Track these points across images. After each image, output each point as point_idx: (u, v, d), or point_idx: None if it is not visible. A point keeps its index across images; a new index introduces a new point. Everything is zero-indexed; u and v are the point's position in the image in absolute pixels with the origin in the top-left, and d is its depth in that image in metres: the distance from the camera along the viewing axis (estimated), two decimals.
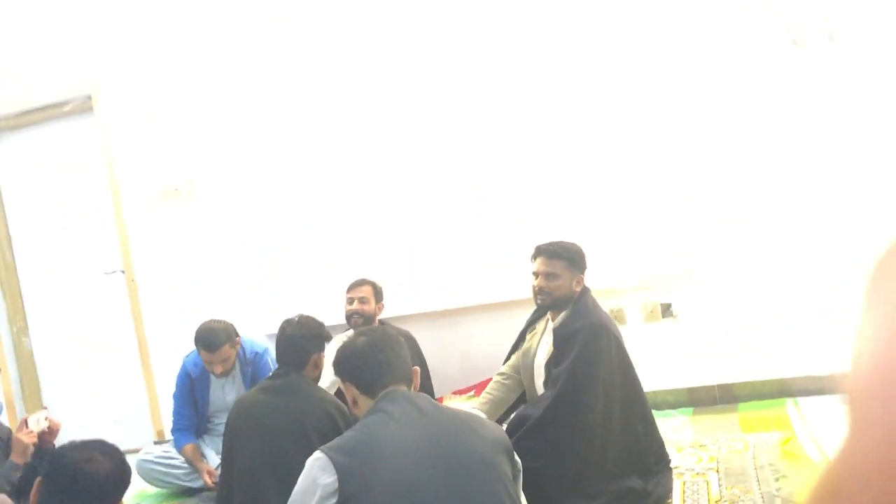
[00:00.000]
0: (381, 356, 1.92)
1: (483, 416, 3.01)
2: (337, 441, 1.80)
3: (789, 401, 3.60)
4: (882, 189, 3.46)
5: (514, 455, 1.87)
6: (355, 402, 1.93)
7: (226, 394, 3.77)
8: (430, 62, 4.00)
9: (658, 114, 3.74)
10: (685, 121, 3.71)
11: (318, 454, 1.73)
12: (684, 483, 2.92)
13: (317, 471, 1.70)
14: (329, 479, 1.67)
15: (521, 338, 3.22)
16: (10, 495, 2.61)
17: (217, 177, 4.38)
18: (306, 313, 2.95)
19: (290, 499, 1.75)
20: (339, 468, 1.68)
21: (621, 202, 3.81)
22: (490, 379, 3.54)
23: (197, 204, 4.45)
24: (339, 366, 1.97)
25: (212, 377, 3.72)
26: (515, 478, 1.86)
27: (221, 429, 3.71)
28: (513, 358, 3.22)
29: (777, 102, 3.60)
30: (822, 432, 3.16)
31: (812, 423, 3.30)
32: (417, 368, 1.99)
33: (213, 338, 3.52)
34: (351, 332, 3.65)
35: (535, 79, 3.87)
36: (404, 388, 1.89)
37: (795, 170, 3.60)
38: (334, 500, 1.67)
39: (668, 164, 3.74)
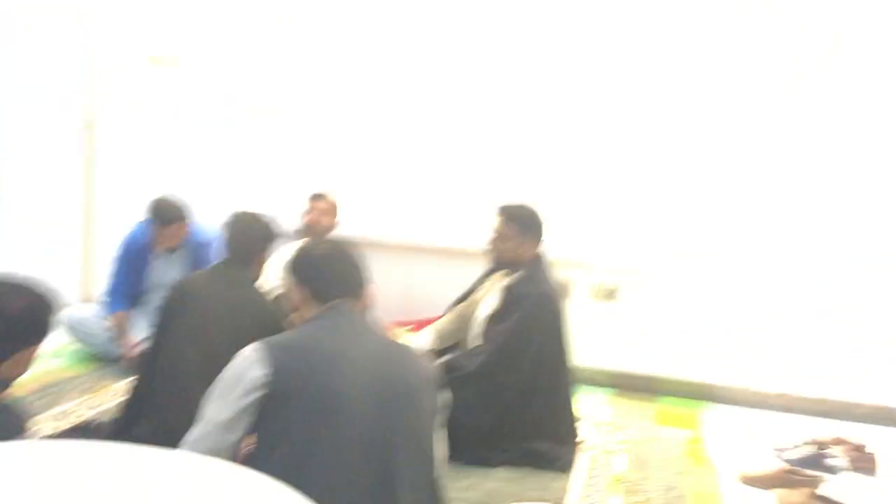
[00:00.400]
0: (340, 267, 1.92)
1: (429, 343, 3.11)
2: (277, 337, 1.80)
3: (705, 405, 3.72)
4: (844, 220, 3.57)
5: (440, 392, 1.90)
6: (302, 305, 1.93)
7: (167, 271, 3.72)
8: None
9: (646, 113, 3.76)
10: (671, 125, 3.75)
11: (257, 345, 1.73)
12: (594, 457, 3.02)
13: (251, 361, 1.70)
14: (261, 371, 1.68)
15: (475, 286, 3.26)
16: None
17: (202, 53, 4.27)
18: (259, 210, 2.90)
19: (217, 382, 1.75)
20: (274, 363, 1.68)
21: (595, 179, 3.85)
22: (429, 319, 3.60)
23: (176, 76, 4.34)
24: (296, 266, 1.96)
25: (156, 252, 3.67)
26: (439, 413, 1.89)
27: (153, 304, 3.71)
28: (465, 302, 3.27)
29: (765, 121, 3.64)
30: (728, 441, 3.29)
31: (721, 430, 3.43)
32: (371, 288, 2.00)
33: (167, 213, 3.48)
34: (304, 241, 3.65)
35: (524, 64, 3.87)
36: (353, 304, 1.90)
37: (766, 189, 3.67)
38: (262, 393, 1.68)
39: (649, 163, 3.79)
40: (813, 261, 3.61)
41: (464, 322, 3.26)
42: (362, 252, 2.03)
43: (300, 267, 1.96)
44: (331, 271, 1.92)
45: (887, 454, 3.14)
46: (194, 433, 1.74)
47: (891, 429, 3.53)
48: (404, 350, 1.89)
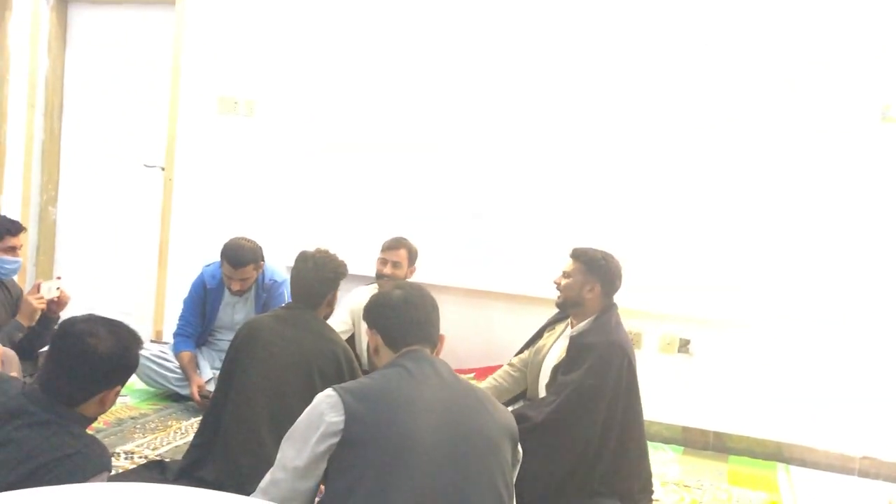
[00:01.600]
0: (414, 314, 1.90)
1: None
2: (351, 384, 1.79)
3: (780, 466, 3.56)
4: None
5: (517, 444, 1.85)
6: (377, 351, 1.92)
7: (235, 312, 3.77)
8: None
9: (726, 159, 3.68)
10: (754, 170, 3.66)
11: (330, 391, 1.71)
12: None
13: (326, 407, 1.68)
14: (336, 418, 1.65)
15: (539, 335, 3.21)
16: None
17: (278, 101, 4.35)
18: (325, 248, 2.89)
19: (292, 429, 1.73)
20: (348, 410, 1.66)
21: (670, 226, 3.77)
22: (493, 367, 3.54)
23: (252, 122, 4.43)
24: (370, 313, 1.95)
25: (226, 293, 3.72)
26: (514, 466, 1.84)
27: (221, 345, 3.77)
28: (526, 353, 3.22)
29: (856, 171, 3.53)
30: None
31: (800, 494, 3.27)
32: (444, 335, 1.97)
33: (241, 255, 3.52)
34: (375, 286, 3.66)
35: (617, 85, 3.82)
36: (428, 350, 1.87)
37: (854, 243, 3.54)
38: (335, 440, 1.65)
39: (728, 209, 3.69)
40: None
41: (525, 373, 3.20)
42: (435, 298, 2.00)
43: (373, 313, 1.95)
44: (404, 318, 1.90)
45: None
46: (268, 479, 1.72)
47: None
48: (483, 398, 1.84)
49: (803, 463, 3.60)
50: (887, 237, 3.49)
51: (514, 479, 1.87)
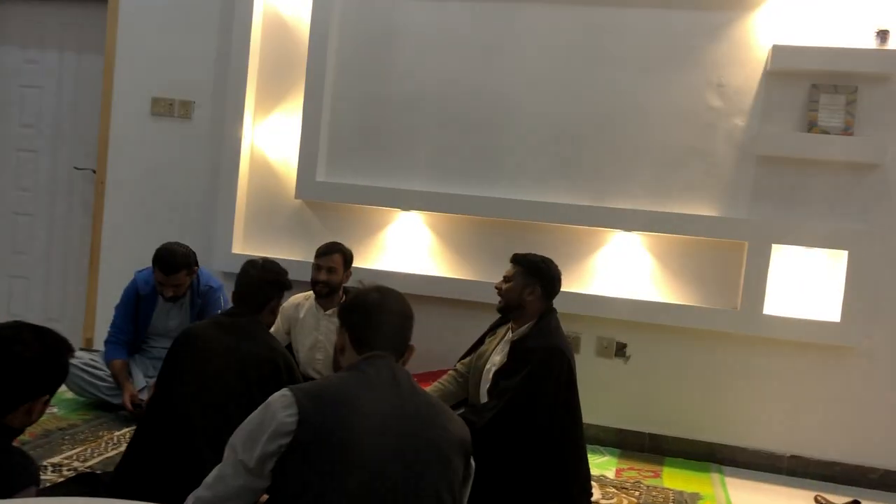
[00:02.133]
0: (387, 319, 1.86)
1: None
2: (307, 385, 1.74)
3: (714, 470, 3.63)
4: None
5: (470, 458, 1.83)
6: (342, 351, 1.88)
7: (169, 319, 3.68)
8: None
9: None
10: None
11: (285, 391, 1.67)
12: None
13: (279, 406, 1.64)
14: (289, 418, 1.61)
15: (481, 340, 3.23)
16: None
17: (217, 102, 4.27)
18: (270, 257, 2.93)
19: (241, 427, 1.67)
20: (302, 411, 1.62)
21: (613, 238, 3.85)
22: (434, 371, 3.55)
23: (188, 124, 4.33)
24: (343, 311, 1.90)
25: (159, 299, 3.63)
26: (465, 480, 1.82)
27: (154, 352, 3.69)
28: (469, 358, 3.22)
29: None
30: None
31: (733, 493, 3.36)
32: (414, 347, 1.94)
33: (172, 261, 3.44)
34: (311, 294, 3.62)
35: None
36: (393, 358, 1.83)
37: None
38: (286, 441, 1.60)
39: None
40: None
41: (468, 378, 3.21)
42: (411, 306, 1.95)
43: (346, 312, 1.90)
44: (374, 321, 1.85)
45: None
46: (215, 474, 1.66)
47: None
48: (439, 411, 1.81)
49: (735, 463, 3.70)
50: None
51: (467, 494, 1.86)
